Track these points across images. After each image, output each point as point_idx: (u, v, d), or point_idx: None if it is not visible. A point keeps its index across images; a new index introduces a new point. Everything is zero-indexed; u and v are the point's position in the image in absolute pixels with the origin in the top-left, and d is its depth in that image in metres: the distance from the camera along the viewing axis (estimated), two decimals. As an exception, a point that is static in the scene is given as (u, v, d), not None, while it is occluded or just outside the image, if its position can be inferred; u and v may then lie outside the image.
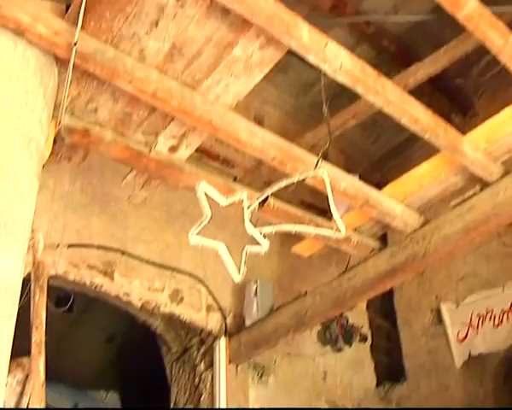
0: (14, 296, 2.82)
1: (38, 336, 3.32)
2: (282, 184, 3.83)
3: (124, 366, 9.18)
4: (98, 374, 9.47)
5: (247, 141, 3.85)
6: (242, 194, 3.74)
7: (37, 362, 3.26)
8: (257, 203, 3.81)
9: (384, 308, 7.75)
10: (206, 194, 3.60)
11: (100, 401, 9.18)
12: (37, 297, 3.45)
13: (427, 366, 7.20)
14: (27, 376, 3.29)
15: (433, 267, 7.11)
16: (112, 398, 9.22)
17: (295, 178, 3.90)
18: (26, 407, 3.22)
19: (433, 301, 7.27)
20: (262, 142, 3.90)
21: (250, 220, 3.74)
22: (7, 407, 3.22)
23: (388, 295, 7.67)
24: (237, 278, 3.74)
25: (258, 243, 3.83)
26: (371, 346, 7.24)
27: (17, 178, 2.88)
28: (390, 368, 7.52)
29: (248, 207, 3.68)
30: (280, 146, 4.01)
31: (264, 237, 3.76)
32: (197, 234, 3.55)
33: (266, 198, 3.98)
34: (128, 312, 6.31)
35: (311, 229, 4.39)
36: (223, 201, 3.71)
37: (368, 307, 7.34)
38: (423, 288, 7.43)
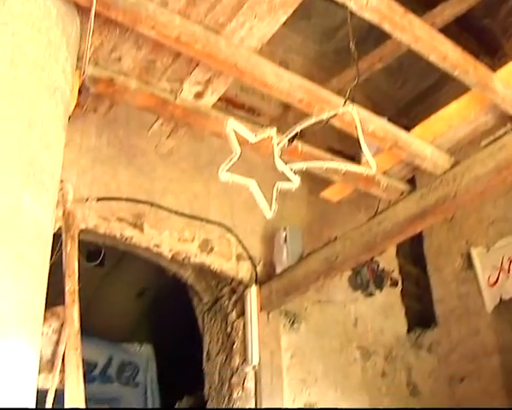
0: (46, 246, 2.83)
1: (72, 284, 3.35)
2: (312, 120, 3.77)
3: (156, 318, 9.30)
4: (131, 327, 9.62)
5: (273, 84, 3.81)
6: (272, 130, 3.69)
7: (72, 310, 3.30)
8: (286, 140, 3.76)
9: (414, 254, 7.73)
10: (235, 131, 3.55)
11: (134, 354, 9.30)
12: (68, 247, 3.47)
13: (458, 311, 7.19)
14: (62, 324, 3.34)
15: (463, 212, 7.06)
16: (145, 350, 9.34)
17: (324, 115, 3.84)
18: (62, 354, 3.27)
19: (464, 246, 7.23)
20: (288, 84, 3.85)
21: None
22: (44, 355, 3.27)
23: (418, 241, 7.64)
24: (269, 215, 3.72)
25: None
26: (401, 292, 7.23)
27: (44, 128, 2.87)
28: (420, 314, 7.52)
29: (278, 144, 3.64)
30: (307, 88, 3.96)
31: (295, 173, 3.71)
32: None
33: (295, 135, 3.92)
34: (159, 265, 6.36)
35: (342, 165, 4.32)
36: (252, 137, 3.66)
37: (397, 253, 7.31)
38: (453, 233, 7.38)
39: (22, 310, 2.53)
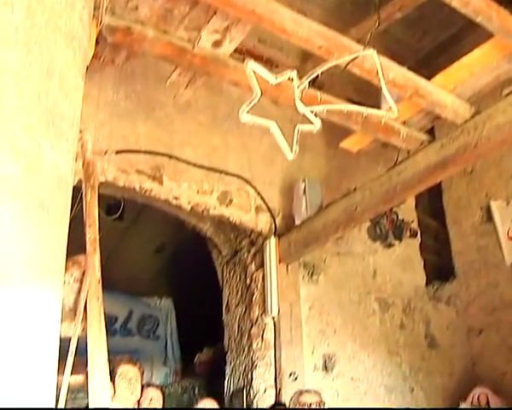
0: (67, 194, 2.83)
1: (92, 233, 3.35)
2: (333, 63, 3.70)
3: (175, 272, 9.37)
4: (151, 281, 9.72)
5: (292, 31, 3.75)
6: (292, 72, 3.64)
7: (93, 259, 3.30)
8: (307, 82, 3.71)
9: (433, 208, 7.69)
10: (255, 72, 3.51)
11: (154, 307, 9.40)
12: (88, 197, 3.47)
13: (477, 264, 7.18)
14: (84, 273, 3.35)
15: (483, 165, 7.00)
16: (165, 304, 9.44)
17: (345, 59, 3.78)
18: (84, 302, 3.28)
19: (483, 199, 7.18)
20: (307, 31, 3.79)
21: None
22: (66, 304, 3.30)
23: (437, 195, 7.61)
24: (290, 156, 3.69)
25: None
26: (420, 245, 7.21)
27: (62, 76, 2.85)
28: (439, 267, 7.52)
29: (298, 87, 3.59)
30: (326, 35, 3.90)
31: (316, 116, 3.67)
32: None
33: (316, 78, 3.87)
34: (178, 220, 6.39)
35: (363, 109, 4.26)
36: (272, 79, 3.61)
37: (416, 206, 7.27)
38: (473, 186, 7.33)
39: (44, 257, 2.55)
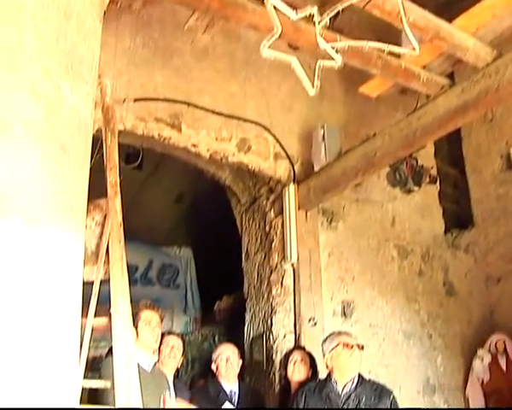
0: (87, 137, 2.85)
1: (113, 177, 3.36)
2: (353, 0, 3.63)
3: (194, 222, 9.42)
4: (170, 231, 9.79)
5: (310, -28, 3.69)
6: (313, 8, 3.58)
7: (114, 202, 3.32)
8: (328, 18, 3.65)
9: (452, 156, 7.65)
10: (275, 8, 3.45)
11: (173, 257, 9.49)
12: (109, 141, 3.48)
13: (496, 212, 7.15)
14: (105, 217, 3.37)
15: (504, 112, 6.93)
16: (185, 253, 9.52)
17: (365, -1, 3.70)
18: (106, 245, 3.31)
19: (503, 147, 7.13)
20: (326, -28, 3.73)
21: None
22: (88, 247, 3.33)
23: (456, 143, 7.55)
24: (312, 92, 3.65)
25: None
26: (439, 194, 7.19)
27: (80, 19, 2.83)
28: (458, 215, 7.51)
29: (319, 23, 3.54)
30: (345, -25, 3.82)
31: (337, 52, 3.63)
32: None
33: (335, 19, 3.81)
34: (196, 169, 6.40)
35: (385, 46, 4.18)
36: (293, 15, 3.56)
37: (436, 154, 7.23)
38: (493, 134, 7.27)
39: (66, 198, 2.57)
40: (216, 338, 7.49)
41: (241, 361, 4.84)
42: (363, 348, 4.01)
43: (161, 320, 4.20)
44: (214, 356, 4.82)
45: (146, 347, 4.02)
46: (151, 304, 4.20)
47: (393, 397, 3.86)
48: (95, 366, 3.77)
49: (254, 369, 5.88)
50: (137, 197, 9.17)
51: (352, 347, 3.92)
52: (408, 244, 6.64)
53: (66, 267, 2.55)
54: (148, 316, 4.05)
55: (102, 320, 3.32)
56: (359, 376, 3.93)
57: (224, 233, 7.44)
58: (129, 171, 6.86)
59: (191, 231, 9.73)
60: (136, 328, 3.93)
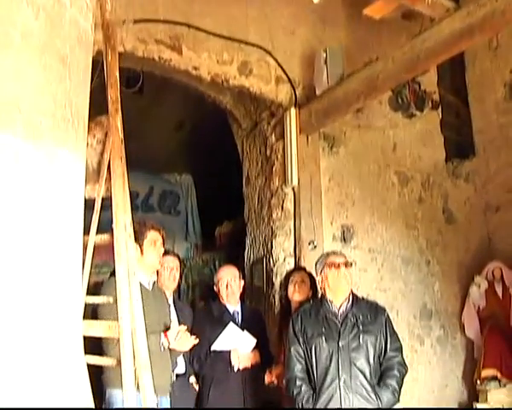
0: (88, 50, 2.83)
1: (114, 94, 3.33)
2: None
3: (195, 149, 9.37)
4: (171, 158, 9.73)
5: None
6: None
7: (115, 119, 3.30)
8: None
9: (455, 85, 7.58)
10: None
11: (174, 183, 9.49)
12: (109, 57, 3.43)
13: (498, 141, 7.14)
14: (106, 134, 3.36)
15: (509, 41, 6.83)
16: (185, 179, 9.51)
17: None
18: (107, 163, 3.31)
19: (507, 76, 7.08)
20: None
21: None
22: (90, 165, 3.32)
23: (460, 71, 7.49)
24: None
25: None
26: (441, 122, 7.15)
27: None
28: (459, 145, 7.50)
29: None
30: None
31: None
32: None
33: None
34: (197, 96, 6.35)
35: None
36: None
37: (438, 83, 7.15)
38: (497, 63, 7.20)
39: (67, 112, 2.57)
40: (216, 263, 7.56)
41: (242, 282, 4.90)
42: (351, 265, 4.05)
43: (163, 242, 4.25)
44: (215, 279, 4.88)
45: (149, 266, 4.06)
46: (156, 225, 4.23)
47: (387, 314, 3.95)
48: (97, 292, 3.80)
49: (254, 293, 5.96)
50: (138, 125, 9.10)
51: (339, 265, 3.95)
52: (408, 171, 6.65)
53: (68, 183, 2.57)
54: (154, 236, 4.09)
55: (104, 237, 3.33)
56: (353, 295, 3.98)
57: (225, 159, 7.44)
58: (129, 98, 6.79)
59: (192, 157, 9.68)
60: (141, 247, 3.97)
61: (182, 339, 4.03)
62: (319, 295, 4.30)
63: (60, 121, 2.52)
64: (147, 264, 4.02)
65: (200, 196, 9.52)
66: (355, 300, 3.94)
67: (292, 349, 3.94)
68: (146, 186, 9.22)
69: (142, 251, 3.97)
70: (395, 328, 3.98)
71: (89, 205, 2.94)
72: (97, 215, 3.35)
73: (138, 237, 3.91)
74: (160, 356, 3.87)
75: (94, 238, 3.31)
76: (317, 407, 3.74)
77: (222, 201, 7.74)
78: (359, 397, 3.67)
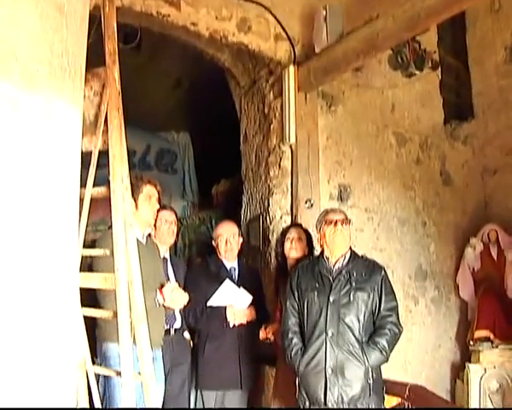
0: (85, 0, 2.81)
1: (111, 45, 3.29)
2: None
3: (192, 107, 9.32)
4: (168, 117, 9.67)
5: None
6: None
7: (113, 71, 3.27)
8: None
9: (455, 47, 7.53)
10: None
11: (171, 142, 9.46)
12: (107, 8, 3.39)
13: (497, 104, 7.13)
14: (104, 86, 3.33)
15: (511, 3, 6.77)
16: (183, 138, 9.48)
17: None
18: (104, 115, 3.29)
19: (508, 39, 7.04)
20: None
21: None
22: (87, 118, 3.31)
23: (460, 33, 7.44)
24: None
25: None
26: (440, 84, 7.11)
27: None
28: (458, 107, 7.48)
29: None
30: None
31: None
32: None
33: None
34: (195, 54, 6.28)
35: None
36: None
37: (438, 45, 7.09)
38: (498, 25, 7.15)
39: (64, 61, 2.54)
40: (213, 222, 7.57)
41: (241, 240, 4.92)
42: (349, 222, 4.04)
43: (159, 197, 4.25)
44: (215, 235, 4.90)
45: (143, 221, 4.08)
46: (152, 180, 4.23)
47: (384, 273, 3.92)
48: (93, 247, 3.81)
49: (250, 250, 5.98)
50: (135, 83, 9.03)
51: (336, 223, 3.96)
52: (406, 132, 6.63)
53: (65, 133, 2.56)
54: (150, 191, 4.09)
55: (101, 190, 3.33)
56: (352, 252, 3.99)
57: (222, 117, 7.40)
58: (127, 55, 6.73)
59: (189, 115, 9.62)
60: (136, 201, 3.98)
61: (176, 297, 4.07)
62: (317, 253, 4.33)
63: (56, 70, 2.50)
64: (141, 218, 4.03)
65: (198, 154, 9.50)
66: (352, 257, 3.96)
67: (288, 303, 3.99)
68: (143, 144, 9.19)
69: (137, 206, 3.98)
70: (393, 287, 3.98)
71: (84, 162, 2.91)
72: (94, 168, 3.34)
73: (134, 192, 3.90)
74: (153, 311, 3.90)
75: (91, 191, 3.31)
76: (304, 360, 3.79)
77: (219, 159, 7.71)
78: (346, 353, 3.70)
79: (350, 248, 4.01)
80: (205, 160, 9.03)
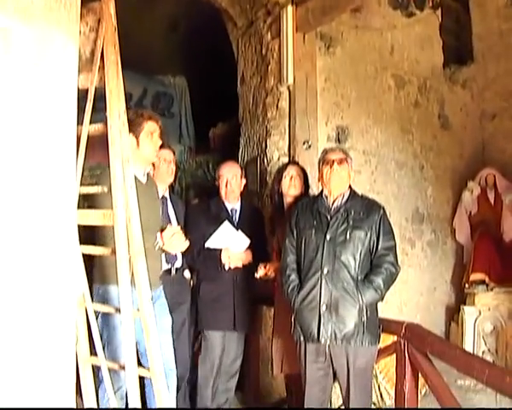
0: None
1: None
2: None
3: (189, 51, 9.22)
4: (165, 61, 9.56)
5: None
6: None
7: (108, 6, 3.18)
8: None
9: (455, -13, 7.42)
10: None
11: (168, 85, 9.37)
12: None
13: (497, 48, 7.07)
14: (99, 21, 3.27)
15: None
16: (179, 81, 9.40)
17: None
18: (100, 50, 3.24)
19: (510, -19, 6.91)
20: None
21: None
22: (83, 54, 3.26)
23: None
24: None
25: None
26: (440, 27, 7.01)
27: None
28: (458, 51, 7.41)
29: None
30: None
31: None
32: None
33: None
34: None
35: None
36: None
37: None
38: (500, -35, 7.03)
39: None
40: (210, 166, 7.55)
41: (244, 181, 4.88)
42: (348, 161, 4.00)
43: (161, 133, 4.15)
44: (217, 175, 4.86)
45: (144, 159, 4.00)
46: (153, 116, 4.12)
47: (383, 212, 3.88)
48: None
49: (247, 192, 5.97)
50: (131, 27, 8.91)
51: (333, 162, 3.94)
52: (405, 75, 6.57)
53: (61, 67, 2.51)
54: (151, 127, 3.99)
55: (98, 127, 3.29)
56: (351, 191, 3.98)
57: (219, 61, 7.32)
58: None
59: (186, 59, 9.51)
60: (137, 138, 3.93)
61: (175, 241, 4.06)
62: (312, 192, 4.32)
63: (52, 1, 2.45)
64: (143, 156, 3.96)
65: (194, 97, 9.43)
66: (351, 196, 3.94)
67: (286, 241, 4.00)
68: (140, 88, 9.10)
69: (138, 143, 3.93)
70: (392, 227, 3.97)
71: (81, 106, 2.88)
72: (91, 104, 3.31)
73: (135, 129, 3.87)
74: (152, 253, 3.92)
75: (88, 128, 3.28)
76: (300, 296, 3.82)
77: (216, 102, 7.64)
78: (340, 291, 3.71)
79: (350, 187, 4.00)
80: (202, 103, 8.96)
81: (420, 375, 3.91)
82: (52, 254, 2.36)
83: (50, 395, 2.19)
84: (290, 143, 5.62)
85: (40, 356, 2.16)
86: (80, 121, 3.06)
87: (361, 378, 3.83)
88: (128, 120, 3.73)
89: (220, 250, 4.59)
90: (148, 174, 4.12)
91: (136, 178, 3.88)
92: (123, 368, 3.25)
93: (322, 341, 3.73)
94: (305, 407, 3.95)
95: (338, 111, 5.90)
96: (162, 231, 4.03)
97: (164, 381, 3.32)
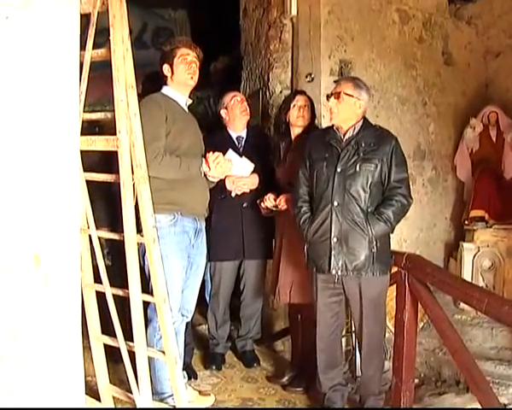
0: None
1: None
2: None
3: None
4: (165, -7, 9.47)
5: None
6: None
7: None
8: None
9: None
10: None
11: (168, 19, 9.28)
12: None
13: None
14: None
15: None
16: (180, 15, 9.29)
17: None
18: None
19: None
20: None
21: None
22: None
23: None
24: None
25: None
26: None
27: None
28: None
29: None
30: None
31: None
32: None
33: None
34: None
35: None
36: None
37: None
38: None
39: None
40: (211, 100, 7.51)
41: (249, 109, 4.84)
42: (346, 94, 3.94)
43: (201, 59, 4.06)
44: (222, 102, 4.83)
45: (182, 85, 3.96)
46: (188, 42, 4.03)
47: (395, 143, 3.87)
48: (90, 130, 3.72)
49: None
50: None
51: (331, 95, 3.93)
52: (410, 9, 6.44)
53: (62, 43, 2.45)
54: (184, 52, 3.93)
55: (101, 52, 3.26)
56: (364, 122, 3.96)
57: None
58: None
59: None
60: (172, 66, 3.90)
61: (220, 166, 4.03)
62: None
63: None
64: (179, 82, 3.95)
65: (195, 31, 9.30)
66: (363, 127, 3.92)
67: (300, 172, 4.03)
68: (139, 22, 9.02)
69: (172, 71, 3.91)
70: (406, 159, 3.96)
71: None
72: (93, 29, 3.27)
73: (169, 58, 3.90)
74: (199, 181, 3.96)
75: (90, 53, 3.25)
76: (311, 229, 3.85)
77: (217, 35, 7.53)
78: (350, 223, 3.75)
79: (363, 117, 3.98)
80: (202, 37, 8.84)
81: (420, 306, 3.97)
82: (54, 180, 2.35)
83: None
84: (293, 76, 5.57)
85: (43, 284, 2.15)
86: (83, 47, 3.04)
87: (374, 307, 3.90)
88: (163, 52, 3.76)
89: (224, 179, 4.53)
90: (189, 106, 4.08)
91: (179, 104, 3.88)
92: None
93: (333, 272, 3.78)
94: (318, 333, 4.03)
95: (341, 44, 5.78)
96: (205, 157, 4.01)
97: (168, 308, 3.37)
